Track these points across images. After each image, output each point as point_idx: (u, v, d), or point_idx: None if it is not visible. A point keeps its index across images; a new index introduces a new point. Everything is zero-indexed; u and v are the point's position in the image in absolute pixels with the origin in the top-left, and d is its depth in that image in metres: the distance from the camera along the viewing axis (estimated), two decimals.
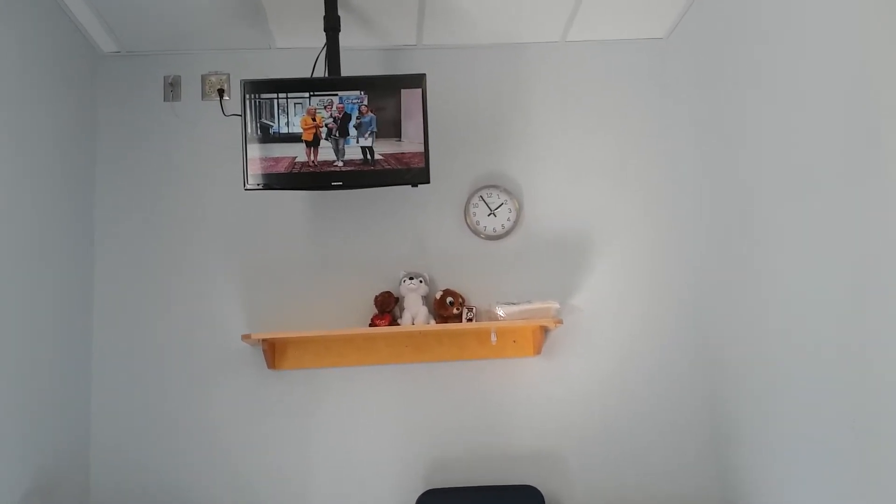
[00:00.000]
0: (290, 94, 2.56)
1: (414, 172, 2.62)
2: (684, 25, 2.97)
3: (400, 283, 2.85)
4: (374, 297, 2.88)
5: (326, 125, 2.56)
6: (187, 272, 2.93)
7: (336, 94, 2.57)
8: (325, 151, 2.58)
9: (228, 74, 3.06)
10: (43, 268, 2.53)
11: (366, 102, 2.57)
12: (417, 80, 2.64)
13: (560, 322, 2.77)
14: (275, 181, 2.60)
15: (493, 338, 2.81)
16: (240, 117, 2.65)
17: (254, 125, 2.58)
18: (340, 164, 2.55)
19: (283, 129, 2.57)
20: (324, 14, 2.75)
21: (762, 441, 2.52)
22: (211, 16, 2.83)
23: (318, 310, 2.92)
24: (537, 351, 2.88)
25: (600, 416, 2.90)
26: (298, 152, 2.58)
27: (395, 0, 2.78)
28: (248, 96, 2.59)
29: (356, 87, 2.60)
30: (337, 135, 2.57)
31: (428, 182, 2.63)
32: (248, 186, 2.60)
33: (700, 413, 2.91)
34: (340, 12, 2.78)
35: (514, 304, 2.77)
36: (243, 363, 2.88)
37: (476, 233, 2.99)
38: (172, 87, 3.05)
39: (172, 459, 2.81)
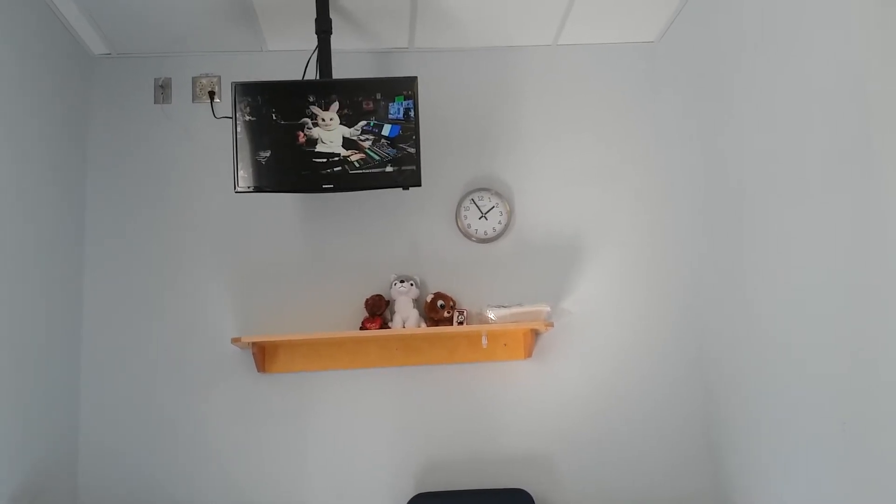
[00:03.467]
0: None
1: (405, 175, 2.61)
2: (675, 29, 2.98)
3: (391, 286, 2.85)
4: (364, 300, 2.87)
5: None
6: (178, 274, 2.92)
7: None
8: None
9: (219, 76, 3.06)
10: (32, 270, 2.51)
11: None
12: (409, 83, 2.64)
13: (551, 325, 2.77)
14: (265, 183, 2.59)
15: (484, 341, 2.81)
16: (230, 119, 2.64)
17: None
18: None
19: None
20: (315, 16, 2.74)
21: (755, 444, 2.52)
22: (202, 18, 2.83)
23: (309, 313, 2.91)
24: (528, 354, 2.88)
25: (591, 420, 2.89)
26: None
27: (386, 3, 2.78)
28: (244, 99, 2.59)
29: (350, 90, 2.60)
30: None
31: (419, 185, 2.62)
32: (238, 189, 2.59)
33: (692, 417, 2.91)
34: (332, 15, 2.78)
35: (505, 307, 2.77)
36: (233, 366, 2.87)
37: (467, 236, 2.99)
38: (163, 90, 3.04)
39: (162, 463, 2.80)
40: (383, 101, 2.62)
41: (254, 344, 2.73)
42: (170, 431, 2.82)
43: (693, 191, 2.90)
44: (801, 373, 2.20)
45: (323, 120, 2.58)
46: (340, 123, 2.59)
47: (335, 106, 2.59)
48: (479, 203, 3.00)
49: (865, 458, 1.93)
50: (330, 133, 2.59)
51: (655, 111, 3.13)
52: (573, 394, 2.91)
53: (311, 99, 2.59)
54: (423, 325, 2.82)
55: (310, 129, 2.58)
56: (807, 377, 2.17)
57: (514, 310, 2.76)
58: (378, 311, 2.83)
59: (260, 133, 2.58)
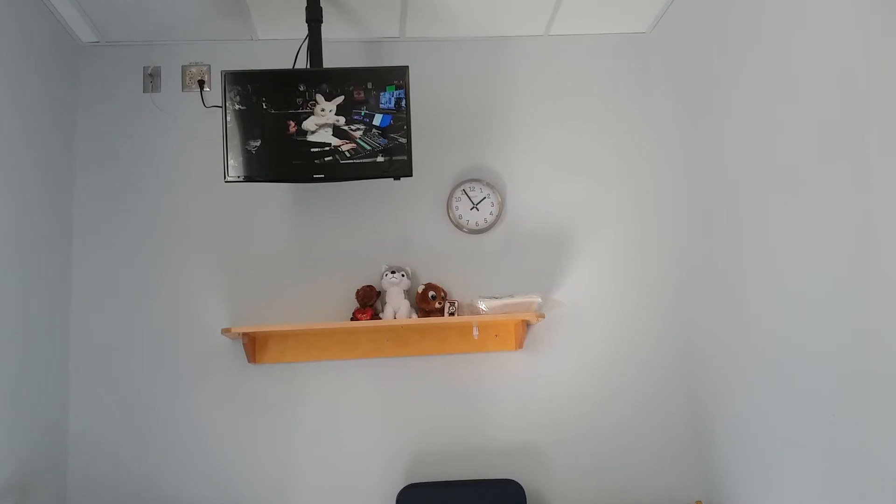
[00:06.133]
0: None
1: (397, 165, 2.60)
2: (667, 20, 2.98)
3: (382, 277, 2.84)
4: (355, 290, 2.86)
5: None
6: (167, 265, 2.90)
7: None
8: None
9: (209, 65, 3.04)
10: (19, 261, 2.49)
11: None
12: (400, 73, 2.62)
13: (542, 316, 2.77)
14: (256, 173, 2.57)
15: (475, 332, 2.80)
16: (220, 108, 2.62)
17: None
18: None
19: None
20: (306, 5, 2.73)
21: (744, 436, 2.53)
22: (192, 6, 2.80)
23: (300, 303, 2.90)
24: (519, 345, 2.88)
25: (582, 411, 2.90)
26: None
27: None
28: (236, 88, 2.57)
29: (340, 79, 2.59)
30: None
31: (410, 175, 2.61)
32: (228, 178, 2.57)
33: (681, 408, 2.92)
34: (323, 3, 2.76)
35: (496, 298, 2.77)
36: (223, 357, 2.86)
37: (458, 227, 2.98)
38: (152, 78, 3.02)
39: (151, 455, 2.78)
40: (374, 91, 2.60)
41: (244, 335, 2.72)
42: (160, 423, 2.80)
43: (684, 182, 2.90)
44: (792, 366, 2.21)
45: (323, 110, 2.56)
46: (337, 114, 2.58)
47: (339, 99, 2.57)
48: (470, 194, 3.00)
49: (853, 453, 1.94)
50: (321, 122, 2.58)
51: (647, 102, 3.13)
52: (564, 385, 2.91)
53: (302, 88, 2.58)
54: (414, 315, 2.82)
55: (307, 113, 2.56)
56: (796, 370, 2.18)
57: (506, 301, 2.76)
58: (369, 301, 2.83)
59: (250, 122, 2.57)
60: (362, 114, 2.60)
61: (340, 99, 2.58)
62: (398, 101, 2.61)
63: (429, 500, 2.70)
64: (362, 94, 2.60)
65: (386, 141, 2.60)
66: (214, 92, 2.99)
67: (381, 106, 2.60)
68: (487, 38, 3.13)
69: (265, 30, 2.99)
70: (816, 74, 2.02)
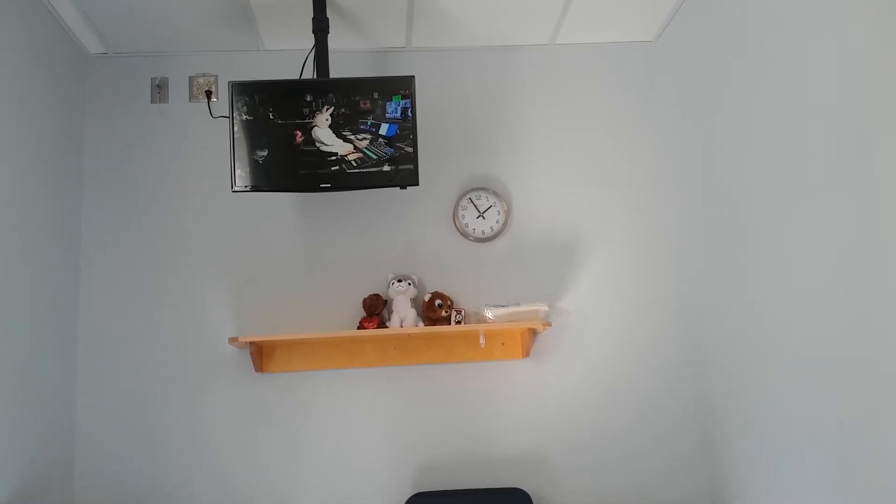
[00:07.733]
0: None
1: (403, 174, 2.61)
2: (673, 28, 2.98)
3: (388, 286, 2.84)
4: (362, 299, 2.87)
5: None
6: (174, 274, 2.92)
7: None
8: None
9: (216, 76, 3.05)
10: (28, 270, 2.51)
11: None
12: (406, 83, 2.63)
13: (549, 324, 2.77)
14: (263, 183, 2.58)
15: (482, 340, 2.81)
16: (227, 119, 2.64)
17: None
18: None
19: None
20: (312, 16, 2.74)
21: (752, 443, 2.52)
22: (199, 17, 2.82)
23: (306, 312, 2.91)
24: (526, 353, 2.88)
25: (589, 419, 2.89)
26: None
27: (383, 2, 2.78)
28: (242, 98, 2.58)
29: (347, 89, 2.60)
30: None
31: (417, 184, 2.62)
32: (235, 188, 2.58)
33: (689, 415, 2.91)
34: (329, 14, 2.78)
35: (502, 306, 2.77)
36: (231, 366, 2.86)
37: (465, 235, 2.99)
38: (160, 89, 3.04)
39: (159, 464, 2.79)
40: (381, 101, 2.61)
41: (251, 344, 2.73)
42: (167, 432, 2.81)
43: (690, 190, 2.90)
44: (798, 372, 2.20)
45: (327, 119, 2.58)
46: (331, 126, 2.59)
47: (331, 109, 2.58)
48: (476, 202, 3.00)
49: (863, 458, 1.93)
50: (327, 132, 2.59)
51: (653, 110, 3.13)
52: (571, 393, 2.91)
53: (308, 98, 2.59)
54: (421, 324, 2.82)
55: (313, 123, 2.57)
56: (804, 376, 2.17)
57: (512, 309, 2.76)
58: (376, 310, 2.83)
59: (257, 132, 2.58)
60: (368, 123, 2.61)
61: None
62: (404, 110, 2.62)
63: None
64: (369, 104, 2.61)
65: (392, 150, 2.61)
66: (222, 102, 3.01)
67: (388, 115, 2.61)
68: (493, 48, 3.14)
69: (272, 40, 3.01)
70: (822, 80, 2.02)
